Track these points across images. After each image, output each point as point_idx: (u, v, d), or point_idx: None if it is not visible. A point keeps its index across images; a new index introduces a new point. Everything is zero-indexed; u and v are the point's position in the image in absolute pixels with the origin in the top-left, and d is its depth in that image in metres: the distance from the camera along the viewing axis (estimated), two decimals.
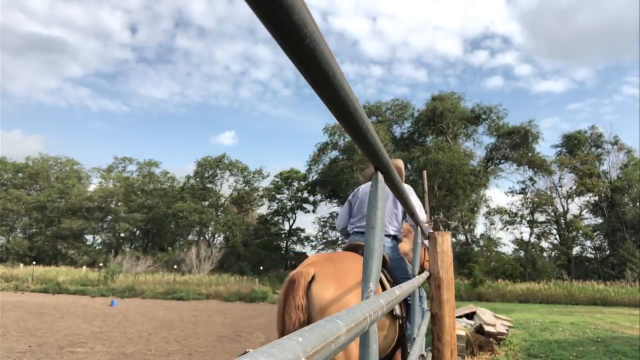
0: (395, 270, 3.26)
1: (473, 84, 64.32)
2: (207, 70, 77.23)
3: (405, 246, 4.27)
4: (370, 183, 3.72)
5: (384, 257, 3.06)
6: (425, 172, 5.17)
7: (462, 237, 39.64)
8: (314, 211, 45.71)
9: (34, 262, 38.11)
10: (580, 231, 38.01)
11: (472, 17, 74.22)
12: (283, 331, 2.34)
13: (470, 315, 10.66)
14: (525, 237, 39.95)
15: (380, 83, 70.96)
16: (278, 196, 48.07)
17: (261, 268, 38.01)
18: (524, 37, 67.99)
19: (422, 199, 4.60)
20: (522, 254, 37.57)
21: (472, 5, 76.29)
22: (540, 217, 40.43)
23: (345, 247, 3.43)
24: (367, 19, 77.42)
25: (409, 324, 3.17)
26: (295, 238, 47.71)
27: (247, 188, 49.89)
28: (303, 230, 47.83)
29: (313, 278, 2.47)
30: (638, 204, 36.23)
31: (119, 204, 48.43)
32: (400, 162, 3.92)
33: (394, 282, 3.12)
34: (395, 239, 3.45)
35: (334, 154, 39.23)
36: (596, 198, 38.79)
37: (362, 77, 69.26)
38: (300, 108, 76.90)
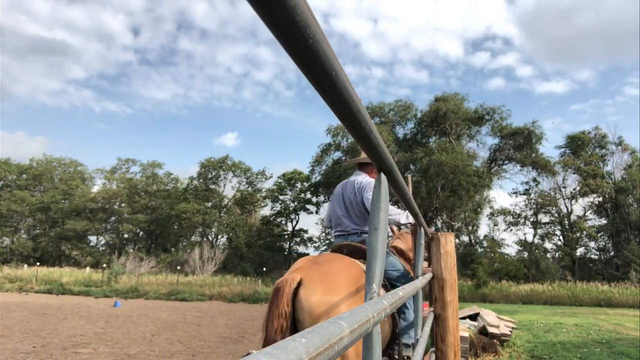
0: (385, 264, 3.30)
1: (475, 86, 64.23)
2: (210, 72, 77.43)
3: (397, 246, 4.31)
4: (343, 181, 3.74)
5: None
6: (410, 177, 5.16)
7: (465, 238, 39.57)
8: (317, 212, 45.73)
9: (38, 263, 38.26)
10: (584, 232, 37.87)
11: (473, 18, 74.06)
12: (266, 339, 2.36)
13: (473, 317, 10.64)
14: (529, 238, 39.90)
15: (382, 84, 71.00)
16: (281, 197, 48.06)
17: (264, 269, 38.00)
18: (522, 40, 67.92)
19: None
20: (525, 255, 37.46)
21: (473, 7, 76.12)
22: (544, 218, 40.38)
23: (332, 249, 3.47)
24: (369, 21, 77.41)
25: (402, 315, 3.20)
26: (298, 239, 47.71)
27: (250, 189, 49.92)
28: (306, 232, 47.85)
29: (300, 284, 2.49)
30: None
31: (123, 205, 48.55)
32: None
33: (384, 276, 3.16)
34: None
35: (337, 155, 39.22)
36: (600, 199, 38.65)
37: (363, 79, 69.32)
38: (303, 109, 76.98)
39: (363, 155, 3.77)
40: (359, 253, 3.14)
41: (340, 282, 2.56)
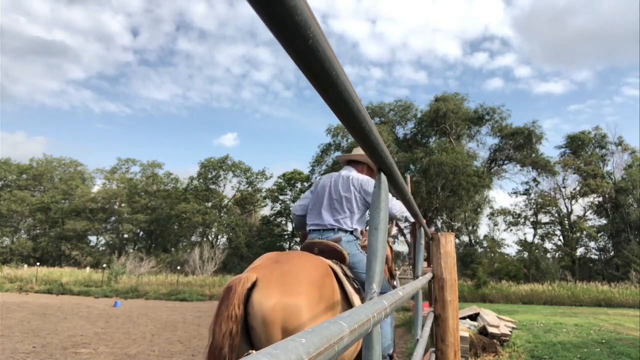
0: (355, 265, 3.08)
1: (473, 86, 64.31)
2: (209, 72, 77.49)
3: None
4: (332, 174, 3.62)
5: (342, 253, 2.98)
6: (409, 176, 5.14)
7: (465, 238, 39.57)
8: None
9: (38, 263, 38.26)
10: (584, 232, 37.88)
11: (471, 18, 74.05)
12: (212, 344, 2.06)
13: (473, 317, 10.64)
14: (529, 238, 39.91)
15: (381, 85, 71.04)
16: (281, 197, 48.13)
17: None
18: (520, 41, 67.97)
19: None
20: (525, 255, 37.48)
21: (471, 8, 76.09)
22: (544, 218, 40.40)
23: (302, 247, 3.23)
24: (367, 22, 77.43)
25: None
26: (298, 239, 47.72)
27: (250, 189, 49.96)
28: None
29: (255, 284, 2.22)
30: None
31: (123, 205, 48.57)
32: None
33: (355, 278, 2.97)
34: (352, 234, 3.24)
35: (337, 155, 39.23)
36: (600, 199, 38.67)
37: (362, 79, 69.35)
38: (302, 109, 77.10)
39: (354, 152, 3.67)
40: (330, 253, 2.95)
41: (301, 285, 2.28)
